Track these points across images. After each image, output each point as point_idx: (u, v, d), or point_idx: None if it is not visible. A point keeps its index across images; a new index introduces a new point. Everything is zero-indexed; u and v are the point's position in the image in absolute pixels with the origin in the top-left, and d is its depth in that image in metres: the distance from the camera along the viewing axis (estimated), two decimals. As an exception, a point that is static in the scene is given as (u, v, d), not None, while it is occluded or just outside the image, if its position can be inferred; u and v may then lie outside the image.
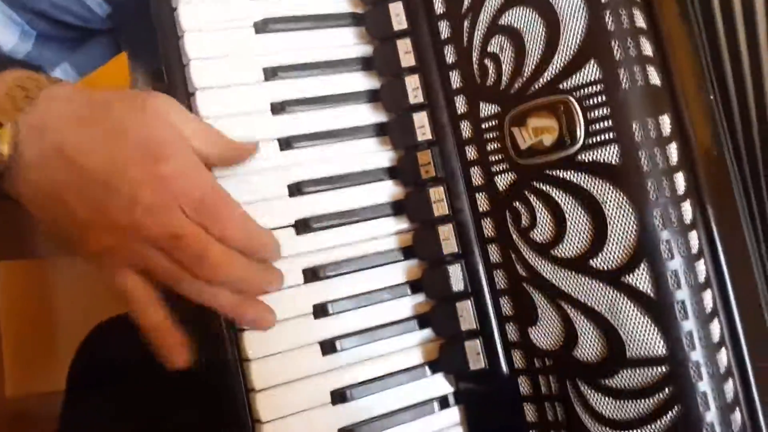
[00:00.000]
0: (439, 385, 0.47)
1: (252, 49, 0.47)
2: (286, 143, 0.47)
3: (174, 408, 0.54)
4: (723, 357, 0.40)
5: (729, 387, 0.40)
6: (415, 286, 0.48)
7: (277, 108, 0.47)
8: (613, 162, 0.40)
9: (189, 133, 0.41)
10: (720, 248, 0.41)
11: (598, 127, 0.40)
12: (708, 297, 0.40)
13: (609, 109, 0.40)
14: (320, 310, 0.46)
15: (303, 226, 0.46)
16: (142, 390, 0.56)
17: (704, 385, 0.39)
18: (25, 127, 0.40)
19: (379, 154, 0.49)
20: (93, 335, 0.64)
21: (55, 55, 0.58)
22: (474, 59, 0.45)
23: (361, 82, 0.49)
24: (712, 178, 0.41)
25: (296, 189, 0.46)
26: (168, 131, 0.40)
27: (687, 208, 0.40)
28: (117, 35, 0.61)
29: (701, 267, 0.40)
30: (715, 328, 0.40)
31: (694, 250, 0.40)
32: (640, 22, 0.41)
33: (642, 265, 0.40)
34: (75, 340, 0.65)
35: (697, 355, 0.39)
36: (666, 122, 0.40)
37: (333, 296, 0.46)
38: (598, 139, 0.40)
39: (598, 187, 0.41)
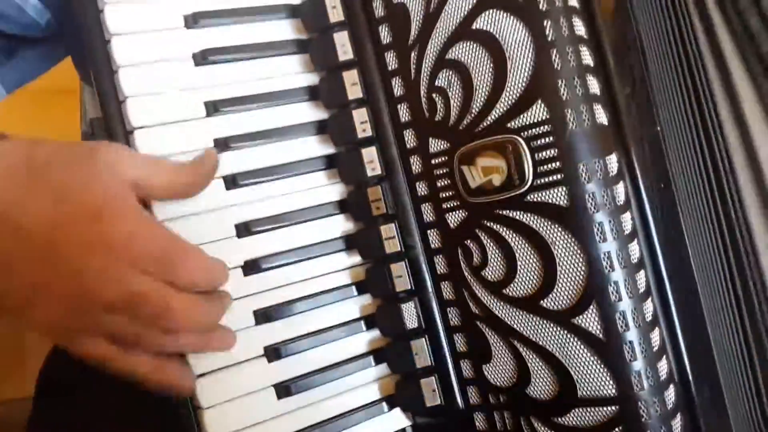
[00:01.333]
0: (398, 419, 0.47)
1: (192, 83, 0.45)
2: (232, 181, 0.45)
3: (140, 416, 0.53)
4: (671, 395, 0.40)
5: (677, 424, 0.40)
6: (369, 321, 0.47)
7: (221, 145, 0.45)
8: (561, 203, 0.40)
9: (139, 175, 0.39)
10: (668, 287, 0.41)
11: (546, 168, 0.40)
12: (656, 336, 0.40)
13: (556, 150, 0.39)
14: (273, 353, 0.45)
15: (252, 266, 0.45)
16: (110, 398, 0.55)
17: (654, 424, 0.39)
18: None
19: (329, 188, 0.47)
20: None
21: None
22: (422, 93, 0.44)
23: (308, 113, 0.47)
24: (661, 214, 0.41)
25: (244, 229, 0.45)
26: (113, 188, 0.38)
27: (635, 247, 0.40)
28: (56, 44, 0.58)
29: (649, 307, 0.40)
30: (663, 367, 0.40)
31: (642, 290, 0.40)
32: (588, 59, 0.40)
33: (591, 306, 0.40)
34: (45, 347, 0.63)
35: (646, 394, 0.39)
36: (613, 161, 0.40)
37: (286, 337, 0.45)
38: (547, 180, 0.40)
39: (546, 228, 0.40)
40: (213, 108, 0.45)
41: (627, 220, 0.40)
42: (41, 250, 0.37)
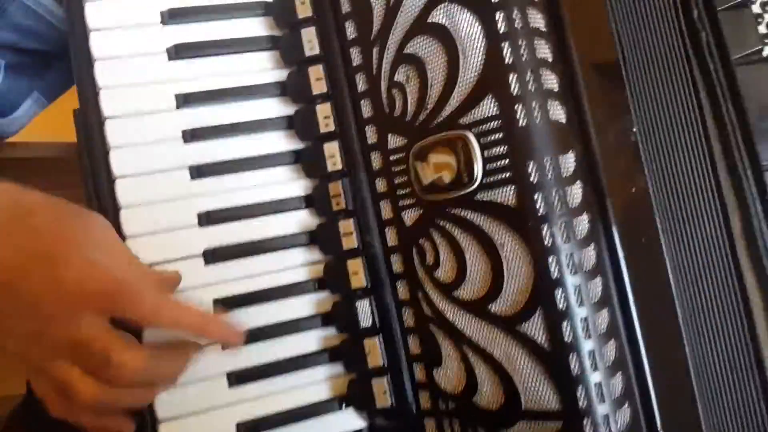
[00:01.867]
0: (351, 419, 0.46)
1: (165, 77, 0.46)
2: (197, 172, 0.46)
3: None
4: (626, 414, 0.37)
5: (627, 445, 0.37)
6: (326, 318, 0.47)
7: (189, 136, 0.46)
8: (509, 203, 0.38)
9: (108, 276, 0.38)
10: (630, 296, 0.38)
11: (495, 165, 0.38)
12: (611, 348, 0.38)
13: (506, 147, 0.38)
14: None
15: (212, 255, 0.45)
16: None
17: (599, 443, 0.37)
18: None
19: (295, 183, 0.47)
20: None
21: (23, 87, 0.58)
22: (383, 88, 0.43)
23: (278, 108, 0.48)
24: (627, 218, 0.39)
25: (206, 218, 0.46)
26: (73, 237, 0.38)
27: (590, 253, 0.38)
28: None
29: (603, 316, 0.38)
30: (617, 382, 0.37)
31: (596, 298, 0.37)
32: (545, 53, 0.38)
33: (537, 313, 0.37)
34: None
35: (594, 411, 0.37)
36: (570, 161, 0.38)
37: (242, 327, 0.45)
38: (496, 178, 0.38)
39: (495, 229, 0.38)
40: (183, 100, 0.46)
41: (583, 222, 0.38)
42: (3, 291, 0.37)
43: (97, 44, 0.45)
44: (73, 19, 0.46)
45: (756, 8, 0.45)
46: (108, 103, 0.45)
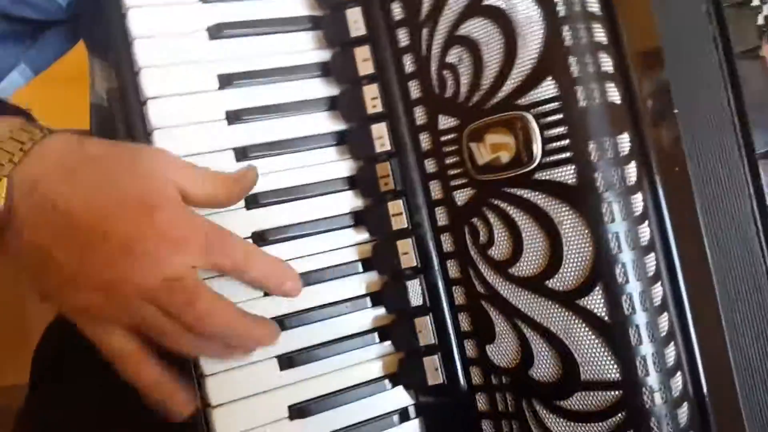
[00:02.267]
0: (400, 397, 0.47)
1: (206, 56, 0.45)
2: (242, 153, 0.45)
3: (133, 401, 0.54)
4: (678, 382, 0.39)
5: (683, 412, 0.39)
6: (375, 298, 0.47)
7: (232, 117, 0.45)
8: (569, 182, 0.39)
9: (181, 181, 0.41)
10: (679, 271, 0.40)
11: (555, 146, 0.39)
12: (664, 321, 0.39)
13: (566, 128, 0.39)
14: (279, 324, 0.45)
15: (260, 238, 0.45)
16: (104, 381, 0.56)
17: (658, 411, 0.38)
18: (19, 182, 0.39)
19: (338, 164, 0.47)
20: (54, 326, 0.63)
21: (11, 57, 0.56)
22: (433, 70, 0.44)
23: (320, 89, 0.47)
24: (674, 198, 0.40)
25: (252, 201, 0.45)
26: (159, 182, 0.40)
27: (644, 229, 0.39)
28: (75, 24, 0.59)
29: (658, 290, 0.39)
30: (671, 353, 0.39)
31: (652, 273, 0.39)
32: (601, 36, 0.39)
33: (597, 288, 0.39)
34: (38, 335, 0.64)
35: (651, 380, 0.38)
36: (625, 141, 0.39)
37: (290, 310, 0.45)
38: (555, 158, 0.39)
39: (554, 207, 0.40)
40: (226, 81, 0.45)
41: (638, 201, 0.39)
42: (87, 237, 0.38)
43: (136, 22, 0.44)
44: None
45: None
46: (149, 84, 0.44)
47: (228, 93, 0.46)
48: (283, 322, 0.45)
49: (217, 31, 0.46)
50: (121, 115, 0.45)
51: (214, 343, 0.40)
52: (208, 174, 0.42)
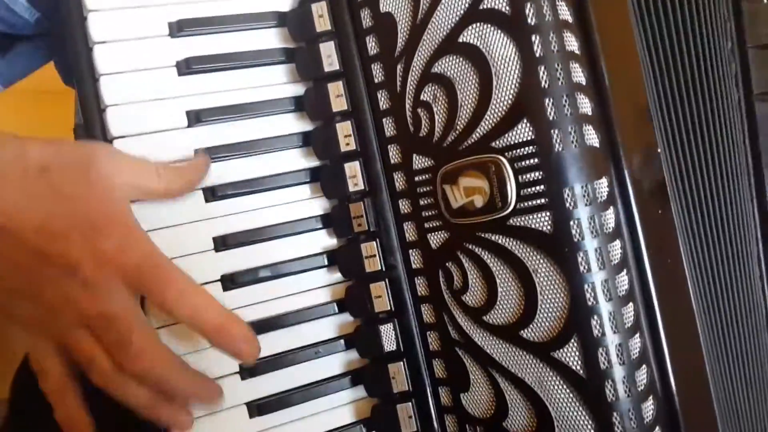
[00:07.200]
0: (374, 443, 0.46)
1: (174, 92, 0.44)
2: (211, 193, 0.44)
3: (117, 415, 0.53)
4: (657, 438, 0.38)
5: (662, 471, 0.37)
6: (348, 341, 0.45)
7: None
8: (544, 229, 0.37)
9: (133, 179, 0.39)
10: (660, 322, 0.38)
11: (530, 191, 0.37)
12: (643, 375, 0.38)
13: (541, 173, 0.37)
14: (247, 369, 0.44)
15: (230, 281, 0.44)
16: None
17: (635, 470, 0.37)
18: None
19: (311, 202, 0.46)
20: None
21: None
22: (407, 107, 0.42)
23: (293, 124, 0.46)
24: (655, 244, 0.39)
25: (222, 243, 0.44)
26: (107, 193, 0.38)
27: (623, 279, 0.38)
28: (48, 42, 0.58)
29: (637, 343, 0.38)
30: (649, 410, 0.38)
31: (630, 324, 0.37)
32: (579, 77, 0.37)
33: (572, 340, 0.37)
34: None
35: (628, 436, 0.37)
36: (603, 186, 0.38)
37: (262, 354, 0.44)
38: (530, 204, 0.37)
39: (528, 254, 0.38)
40: (195, 118, 0.44)
41: (616, 249, 0.38)
42: (32, 257, 0.37)
43: (102, 59, 0.43)
44: (73, 31, 0.43)
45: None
46: (115, 123, 0.43)
47: (197, 130, 0.44)
48: (254, 367, 0.44)
49: (186, 67, 0.44)
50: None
51: (143, 390, 0.38)
52: (160, 167, 0.41)
